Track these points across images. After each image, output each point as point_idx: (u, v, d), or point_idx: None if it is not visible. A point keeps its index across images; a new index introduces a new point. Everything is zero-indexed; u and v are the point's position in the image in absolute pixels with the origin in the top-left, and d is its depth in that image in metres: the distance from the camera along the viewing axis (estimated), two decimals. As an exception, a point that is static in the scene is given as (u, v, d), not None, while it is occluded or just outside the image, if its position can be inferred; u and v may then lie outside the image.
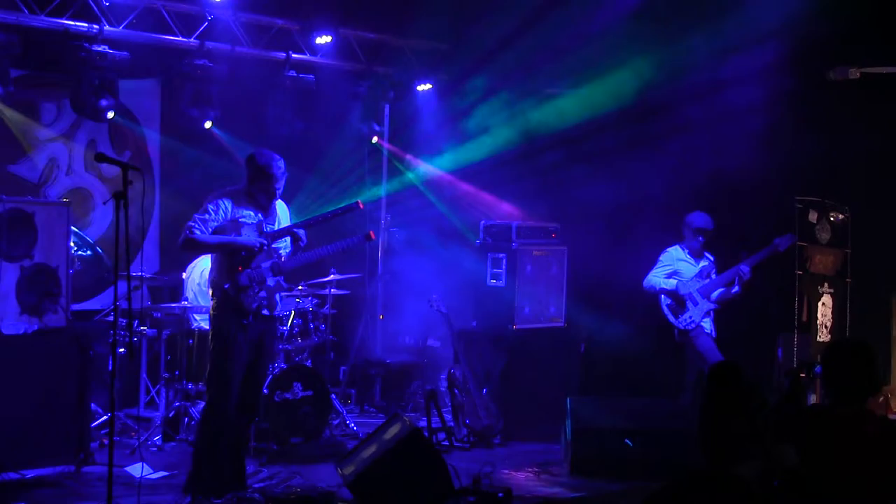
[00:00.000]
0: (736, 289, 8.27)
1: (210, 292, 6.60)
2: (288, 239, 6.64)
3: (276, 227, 6.61)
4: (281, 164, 6.51)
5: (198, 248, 6.81)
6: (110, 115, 8.74)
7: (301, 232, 6.60)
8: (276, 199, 6.64)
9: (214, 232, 6.40)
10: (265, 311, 6.52)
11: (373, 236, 7.04)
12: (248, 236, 6.44)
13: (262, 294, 6.47)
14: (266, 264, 6.48)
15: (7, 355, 7.02)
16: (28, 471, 6.93)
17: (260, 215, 6.53)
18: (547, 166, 10.11)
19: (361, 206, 6.93)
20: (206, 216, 6.38)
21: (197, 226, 6.36)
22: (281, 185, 6.55)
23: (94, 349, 7.54)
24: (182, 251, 6.81)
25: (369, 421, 9.22)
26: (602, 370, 9.60)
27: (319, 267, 9.14)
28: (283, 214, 6.76)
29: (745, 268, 8.23)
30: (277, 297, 6.62)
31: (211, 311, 6.57)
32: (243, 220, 6.46)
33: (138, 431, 8.14)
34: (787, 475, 4.08)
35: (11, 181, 9.24)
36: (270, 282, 6.50)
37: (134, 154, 9.97)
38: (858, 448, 4.26)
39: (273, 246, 6.55)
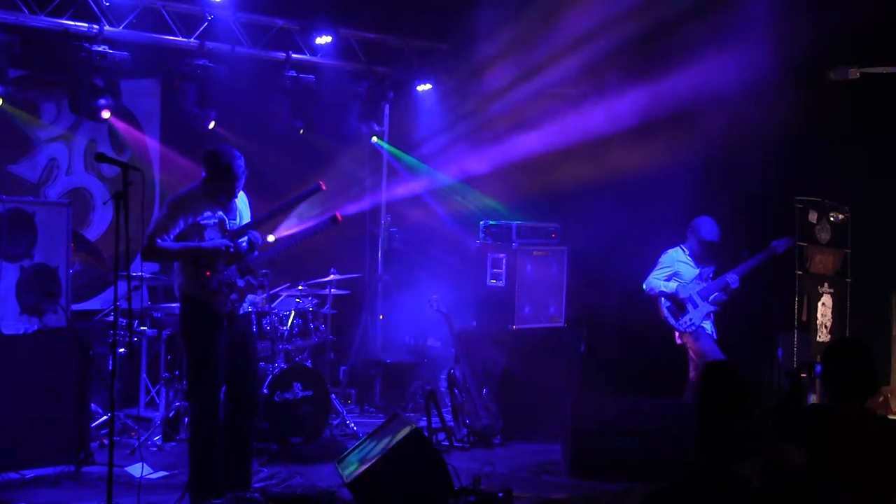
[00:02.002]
0: (723, 296, 8.25)
1: (179, 300, 6.41)
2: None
3: (238, 223, 6.41)
4: (241, 162, 6.32)
5: (161, 257, 6.57)
6: (106, 114, 8.71)
7: (256, 237, 6.41)
8: (237, 197, 6.45)
9: (177, 238, 6.19)
10: (236, 313, 6.35)
11: (339, 218, 6.62)
12: (212, 238, 6.26)
13: (234, 296, 6.30)
14: (232, 267, 6.31)
15: (7, 355, 7.03)
16: (28, 471, 6.94)
17: (220, 212, 6.33)
18: (547, 166, 10.10)
19: (324, 187, 6.57)
20: (167, 222, 6.18)
21: (158, 234, 6.15)
22: (242, 183, 6.37)
23: (94, 349, 7.55)
24: (145, 261, 6.60)
25: (369, 421, 9.21)
26: (602, 370, 9.60)
27: (319, 266, 9.16)
28: (243, 208, 6.54)
29: (733, 276, 8.18)
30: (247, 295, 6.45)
31: (181, 320, 6.40)
32: (204, 221, 6.25)
33: (138, 431, 8.14)
34: (788, 475, 4.08)
35: (11, 181, 9.23)
36: (240, 282, 6.32)
37: (134, 154, 9.97)
38: (859, 448, 4.26)
39: (238, 241, 6.33)
